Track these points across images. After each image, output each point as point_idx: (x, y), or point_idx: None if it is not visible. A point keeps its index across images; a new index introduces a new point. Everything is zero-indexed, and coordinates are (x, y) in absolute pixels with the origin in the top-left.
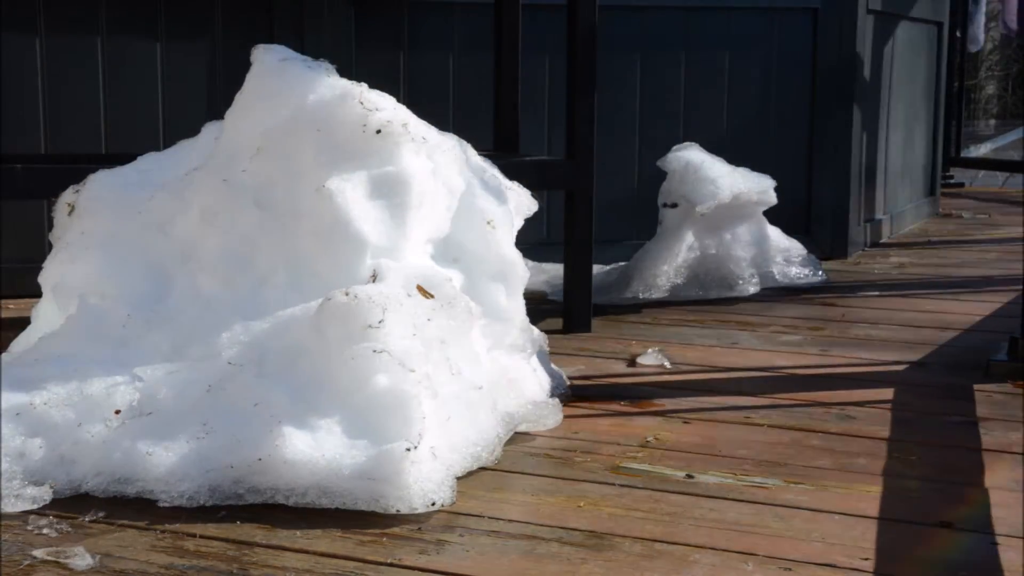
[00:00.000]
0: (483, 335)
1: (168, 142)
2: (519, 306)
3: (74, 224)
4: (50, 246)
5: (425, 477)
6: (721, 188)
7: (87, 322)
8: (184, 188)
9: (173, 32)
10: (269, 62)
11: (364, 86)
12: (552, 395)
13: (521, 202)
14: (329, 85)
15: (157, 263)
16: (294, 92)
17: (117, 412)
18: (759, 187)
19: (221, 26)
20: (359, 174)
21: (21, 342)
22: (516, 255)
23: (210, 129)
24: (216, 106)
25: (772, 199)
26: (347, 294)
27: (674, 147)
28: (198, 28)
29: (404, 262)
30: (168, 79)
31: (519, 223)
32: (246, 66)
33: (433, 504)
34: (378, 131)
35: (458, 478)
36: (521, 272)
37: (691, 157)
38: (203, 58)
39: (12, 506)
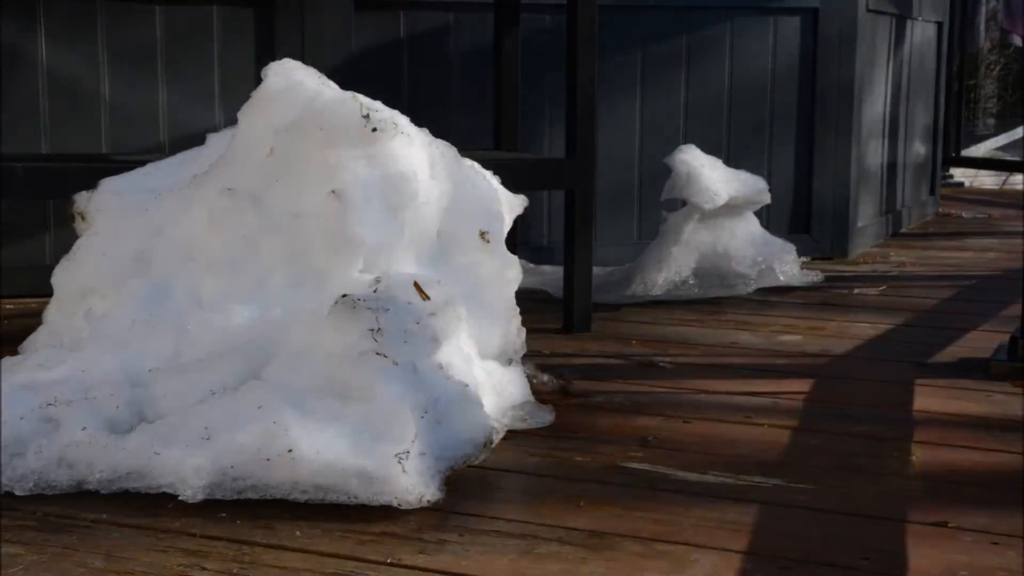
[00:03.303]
0: (474, 336)
1: (169, 143)
2: (511, 306)
3: (84, 228)
4: (51, 247)
5: (417, 478)
6: (720, 190)
7: (92, 324)
8: (191, 190)
9: (173, 33)
10: (281, 69)
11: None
12: (541, 396)
13: (512, 202)
14: (331, 90)
15: (162, 265)
16: (301, 94)
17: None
18: (756, 188)
19: (221, 26)
20: (359, 175)
21: (30, 343)
22: (508, 255)
23: (214, 139)
24: (217, 107)
25: (767, 199)
26: (347, 298)
27: (676, 150)
28: (198, 29)
29: (400, 264)
30: (168, 79)
31: (509, 223)
32: (246, 67)
33: (422, 500)
34: (374, 129)
35: (459, 478)
36: (514, 272)
37: (690, 159)
38: (203, 59)
39: (13, 504)
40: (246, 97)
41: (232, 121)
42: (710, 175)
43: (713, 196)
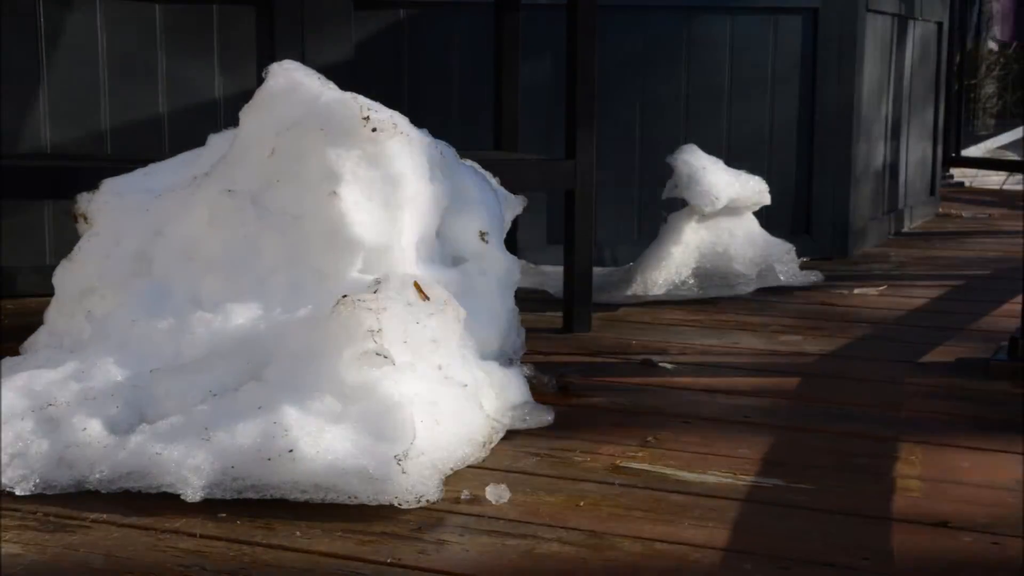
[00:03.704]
0: (474, 336)
1: (170, 143)
2: (510, 307)
3: (86, 229)
4: (51, 247)
5: (416, 478)
6: (720, 193)
7: (93, 324)
8: (192, 191)
9: (173, 33)
10: (282, 70)
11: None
12: (541, 396)
13: (511, 202)
14: (331, 91)
15: (163, 265)
16: (304, 94)
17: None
18: (756, 189)
19: (222, 26)
20: (359, 175)
21: (30, 344)
22: (507, 256)
23: (214, 139)
24: (217, 106)
25: (766, 200)
26: (348, 300)
27: (677, 150)
28: (198, 28)
29: (400, 264)
30: (169, 80)
31: (509, 223)
32: (246, 68)
33: (421, 500)
34: (374, 129)
35: (459, 478)
36: (512, 273)
37: (691, 160)
38: (204, 58)
39: (13, 504)
40: (247, 97)
41: (233, 122)
42: (711, 177)
43: (713, 200)
